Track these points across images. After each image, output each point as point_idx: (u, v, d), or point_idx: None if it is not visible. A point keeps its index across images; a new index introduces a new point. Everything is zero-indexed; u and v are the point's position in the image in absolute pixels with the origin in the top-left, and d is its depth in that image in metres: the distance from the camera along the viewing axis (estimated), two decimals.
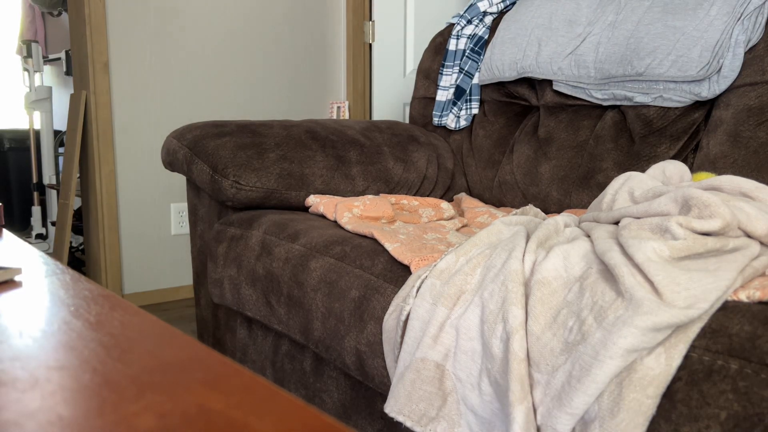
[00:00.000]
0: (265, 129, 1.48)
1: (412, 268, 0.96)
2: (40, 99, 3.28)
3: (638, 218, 0.86)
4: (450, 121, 1.78)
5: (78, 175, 2.45)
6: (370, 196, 1.34)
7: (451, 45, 1.79)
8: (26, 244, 0.82)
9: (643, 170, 1.37)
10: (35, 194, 3.46)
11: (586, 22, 1.53)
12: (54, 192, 3.35)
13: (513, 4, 1.79)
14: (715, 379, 0.63)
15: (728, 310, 0.68)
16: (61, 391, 0.40)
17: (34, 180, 3.45)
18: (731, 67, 1.26)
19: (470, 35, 1.78)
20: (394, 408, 0.84)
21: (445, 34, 1.85)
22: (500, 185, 1.64)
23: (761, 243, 0.79)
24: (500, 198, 1.64)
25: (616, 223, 0.92)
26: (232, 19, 2.53)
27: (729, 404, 0.62)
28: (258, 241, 1.25)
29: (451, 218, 1.41)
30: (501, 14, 1.79)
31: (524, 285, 0.80)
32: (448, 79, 1.79)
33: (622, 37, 1.43)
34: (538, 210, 1.23)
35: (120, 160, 2.34)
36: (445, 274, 0.88)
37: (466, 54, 1.77)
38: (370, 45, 2.79)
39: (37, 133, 3.52)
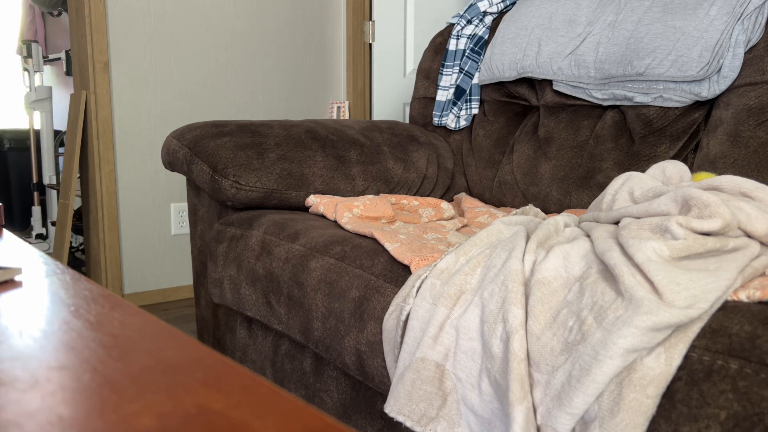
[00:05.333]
0: (265, 129, 1.48)
1: (412, 268, 0.96)
2: (40, 99, 3.28)
3: (638, 218, 0.86)
4: (450, 121, 1.78)
5: (78, 175, 2.45)
6: (370, 196, 1.34)
7: (451, 45, 1.79)
8: (26, 244, 0.82)
9: (643, 170, 1.37)
10: (35, 194, 3.46)
11: (586, 22, 1.53)
12: (54, 192, 3.35)
13: (513, 4, 1.79)
14: (715, 379, 0.63)
15: (728, 310, 0.68)
16: (61, 391, 0.40)
17: (34, 180, 3.45)
18: (731, 67, 1.26)
19: (470, 35, 1.78)
20: (394, 408, 0.84)
21: (445, 34, 1.85)
22: (500, 185, 1.64)
23: (761, 243, 0.79)
24: (500, 198, 1.64)
25: (616, 223, 0.92)
26: (232, 19, 2.53)
27: (729, 404, 0.62)
28: (258, 241, 1.25)
29: (451, 218, 1.41)
30: (501, 14, 1.79)
31: (524, 285, 0.80)
32: (448, 79, 1.79)
33: (622, 37, 1.43)
34: (538, 210, 1.23)
35: (120, 160, 2.34)
36: (445, 274, 0.88)
37: (466, 54, 1.77)
38: (370, 45, 2.79)
39: (37, 133, 3.52)
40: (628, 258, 0.74)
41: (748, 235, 0.79)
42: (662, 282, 0.68)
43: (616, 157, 1.42)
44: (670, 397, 0.65)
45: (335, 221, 1.28)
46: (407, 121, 2.71)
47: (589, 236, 0.91)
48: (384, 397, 1.06)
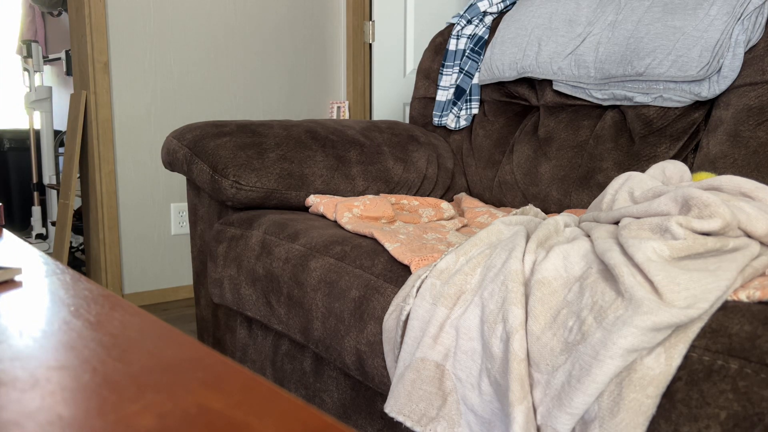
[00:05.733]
0: (265, 129, 1.48)
1: (412, 268, 0.96)
2: (40, 99, 3.28)
3: (638, 218, 0.86)
4: (450, 121, 1.78)
5: (78, 175, 2.45)
6: (370, 196, 1.34)
7: (451, 45, 1.79)
8: (26, 244, 0.82)
9: (643, 170, 1.37)
10: (35, 194, 3.46)
11: (586, 22, 1.53)
12: (54, 192, 3.35)
13: (513, 4, 1.79)
14: (715, 379, 0.63)
15: (728, 310, 0.68)
16: (61, 391, 0.40)
17: (34, 180, 3.45)
18: (731, 67, 1.26)
19: (470, 35, 1.78)
20: (394, 408, 0.84)
21: (445, 34, 1.85)
22: (500, 185, 1.64)
23: (761, 243, 0.79)
24: (500, 198, 1.64)
25: (616, 223, 0.92)
26: (232, 18, 2.53)
27: (729, 404, 0.62)
28: (258, 241, 1.25)
29: (451, 218, 1.41)
30: (501, 14, 1.79)
31: (524, 285, 0.80)
32: (448, 79, 1.79)
33: (622, 37, 1.43)
34: (538, 210, 1.23)
35: (120, 160, 2.34)
36: (445, 274, 0.88)
37: (466, 54, 1.77)
38: (370, 45, 2.79)
39: (37, 133, 3.52)
40: (628, 258, 0.74)
41: (748, 235, 0.79)
42: (662, 282, 0.68)
43: (616, 157, 1.42)
44: (670, 397, 0.65)
45: (335, 221, 1.28)
46: (407, 121, 2.71)
47: (589, 236, 0.91)
48: (384, 397, 1.06)
